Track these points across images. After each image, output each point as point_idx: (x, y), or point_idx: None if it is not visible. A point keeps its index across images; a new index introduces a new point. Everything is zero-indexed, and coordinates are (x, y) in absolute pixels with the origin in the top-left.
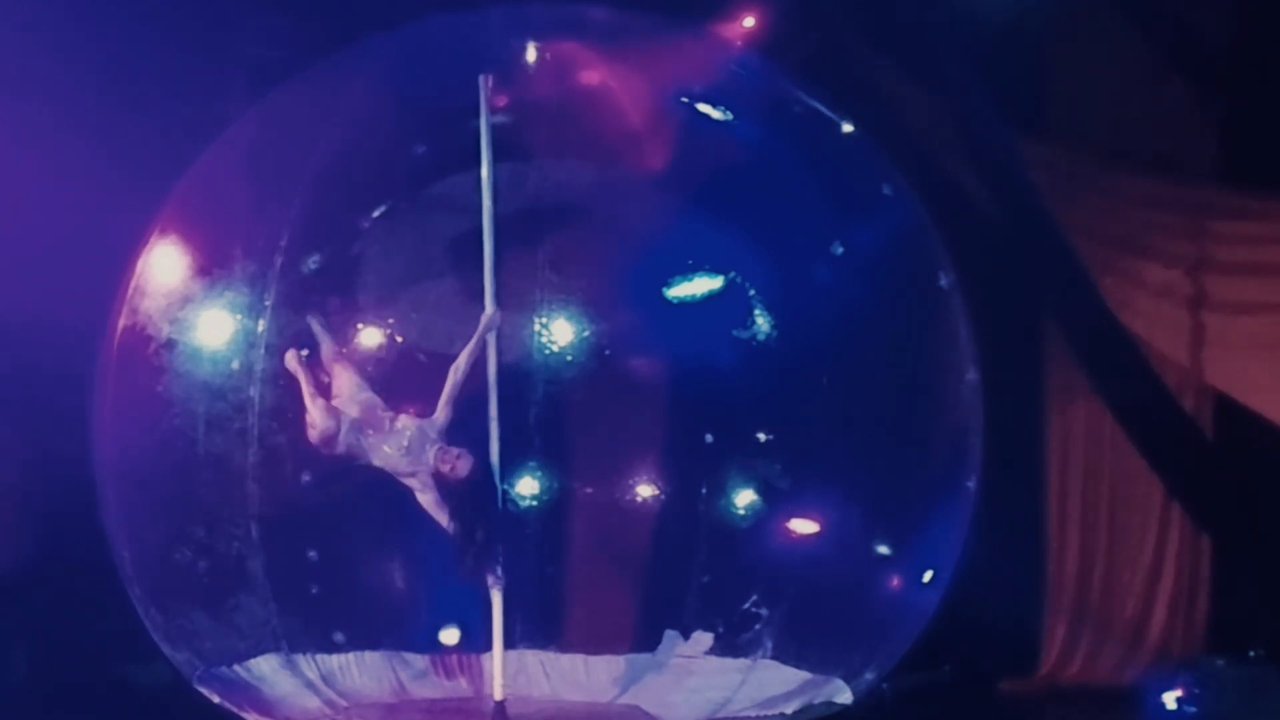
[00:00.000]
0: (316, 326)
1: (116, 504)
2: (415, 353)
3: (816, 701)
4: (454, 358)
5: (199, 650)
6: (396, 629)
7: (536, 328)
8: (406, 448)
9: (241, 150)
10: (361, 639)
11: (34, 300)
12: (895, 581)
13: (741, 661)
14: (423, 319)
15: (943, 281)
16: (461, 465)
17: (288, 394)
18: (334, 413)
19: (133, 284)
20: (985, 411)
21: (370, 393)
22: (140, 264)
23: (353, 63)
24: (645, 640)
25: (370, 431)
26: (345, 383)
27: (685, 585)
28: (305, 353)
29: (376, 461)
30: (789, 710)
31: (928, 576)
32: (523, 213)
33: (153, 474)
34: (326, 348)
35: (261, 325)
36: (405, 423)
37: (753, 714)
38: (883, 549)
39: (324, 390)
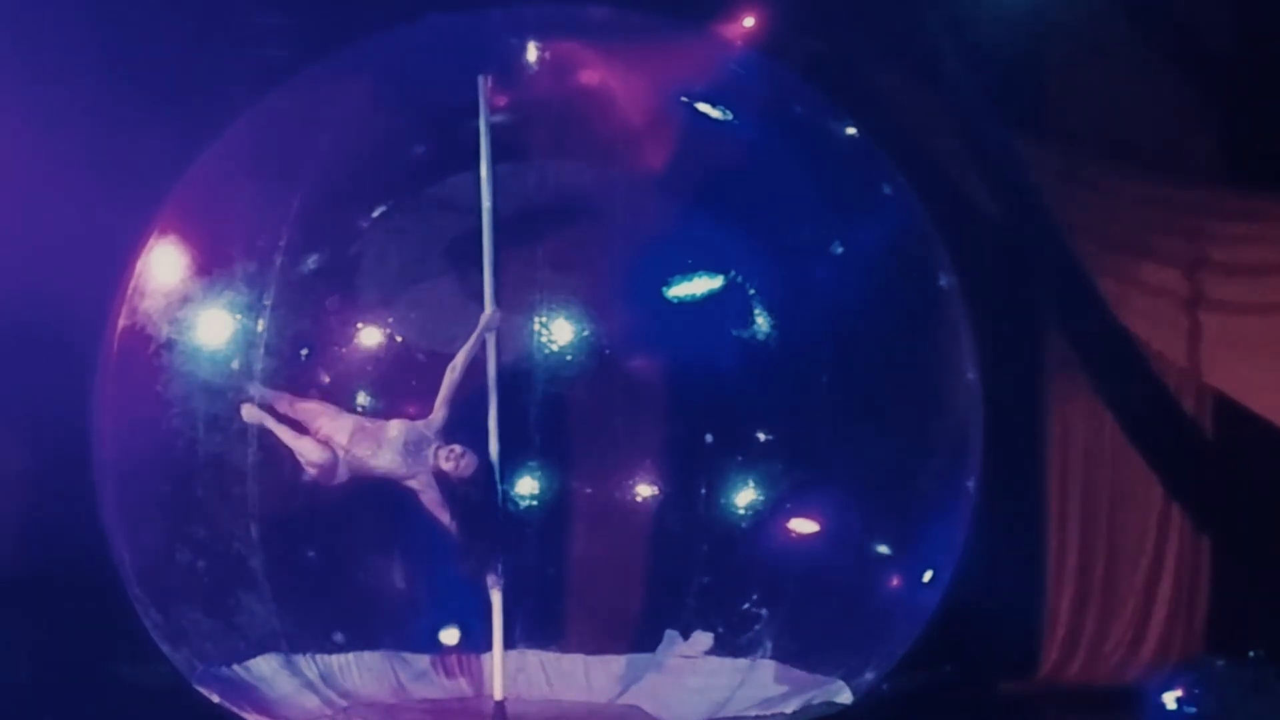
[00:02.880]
0: (260, 393)
1: (116, 504)
2: (414, 352)
3: (816, 701)
4: (453, 357)
5: (199, 650)
6: (396, 629)
7: (536, 328)
8: (404, 451)
9: (241, 150)
10: (361, 639)
11: (34, 300)
12: (895, 581)
13: (741, 661)
14: (422, 318)
15: (942, 282)
16: (465, 463)
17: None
18: (325, 443)
19: (133, 284)
20: (985, 411)
21: (348, 415)
22: (140, 264)
23: (353, 63)
24: (645, 640)
25: (364, 448)
26: (321, 419)
27: (685, 585)
28: (305, 352)
29: (379, 471)
30: (789, 710)
31: (928, 576)
32: (522, 213)
33: (153, 474)
34: (283, 403)
35: (261, 325)
36: (398, 427)
37: (753, 714)
38: (882, 549)
39: (301, 428)
